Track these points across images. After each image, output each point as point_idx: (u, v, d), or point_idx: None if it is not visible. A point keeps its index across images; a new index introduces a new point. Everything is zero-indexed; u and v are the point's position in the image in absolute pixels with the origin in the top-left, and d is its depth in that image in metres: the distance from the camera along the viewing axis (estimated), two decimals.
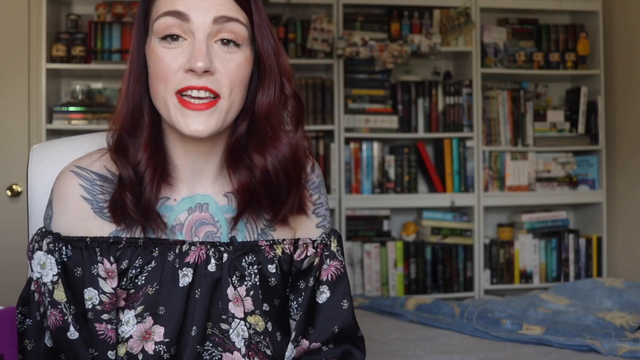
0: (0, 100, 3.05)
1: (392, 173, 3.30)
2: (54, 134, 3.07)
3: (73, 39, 3.08)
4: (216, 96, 0.89)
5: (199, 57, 0.87)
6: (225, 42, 0.90)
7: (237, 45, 0.91)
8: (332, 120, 3.19)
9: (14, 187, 3.03)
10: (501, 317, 2.08)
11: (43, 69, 2.97)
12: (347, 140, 3.25)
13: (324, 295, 1.00)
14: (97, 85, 3.20)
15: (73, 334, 0.90)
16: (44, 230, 0.96)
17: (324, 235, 1.03)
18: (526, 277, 3.40)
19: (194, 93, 0.89)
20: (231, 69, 0.90)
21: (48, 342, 0.92)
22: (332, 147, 3.19)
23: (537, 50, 3.46)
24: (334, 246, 1.02)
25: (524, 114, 3.39)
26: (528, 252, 3.40)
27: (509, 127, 3.38)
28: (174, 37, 0.90)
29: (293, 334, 0.99)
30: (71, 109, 3.05)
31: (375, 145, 3.28)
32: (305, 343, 0.98)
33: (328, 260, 1.01)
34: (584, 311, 2.12)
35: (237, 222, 0.97)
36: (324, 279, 1.00)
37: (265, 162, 0.95)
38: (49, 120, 3.01)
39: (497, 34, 3.39)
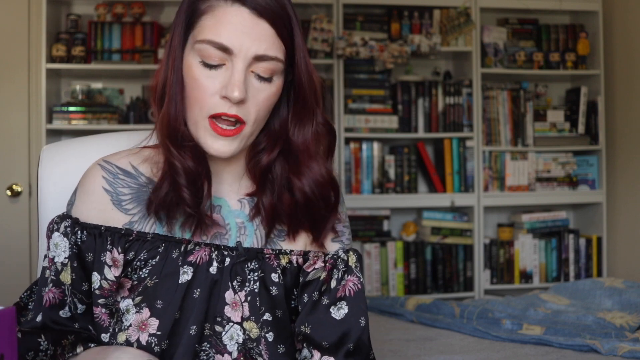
0: (1, 101, 3.05)
1: (392, 173, 3.30)
2: (54, 134, 3.07)
3: (73, 39, 3.08)
4: (242, 122, 0.93)
5: (236, 87, 0.90)
6: (259, 76, 0.93)
7: (269, 79, 0.94)
8: (332, 120, 3.19)
9: (14, 187, 3.03)
10: (501, 317, 2.08)
11: (43, 69, 2.97)
12: (347, 140, 3.25)
13: (342, 311, 1.00)
14: (97, 85, 3.20)
15: (66, 312, 0.97)
16: (64, 213, 1.01)
17: (340, 251, 1.03)
18: (526, 277, 3.40)
19: (224, 117, 0.93)
20: (260, 99, 0.94)
21: (38, 317, 0.96)
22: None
23: (537, 50, 3.47)
24: (352, 261, 1.03)
25: (524, 114, 3.39)
26: (528, 252, 3.41)
27: (509, 127, 3.38)
28: (214, 65, 0.92)
29: (300, 346, 1.00)
30: (71, 109, 3.05)
31: (375, 145, 3.28)
32: (317, 354, 0.99)
33: (346, 275, 1.01)
34: (584, 311, 2.12)
35: (269, 236, 1.01)
36: (341, 295, 1.00)
37: (303, 186, 0.99)
38: (49, 120, 3.01)
39: (497, 34, 3.40)
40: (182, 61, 0.96)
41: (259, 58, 0.92)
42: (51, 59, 3.00)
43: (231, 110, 0.92)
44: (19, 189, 3.04)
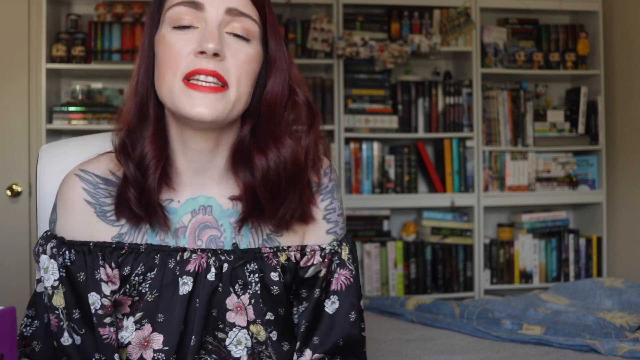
0: (0, 101, 3.05)
1: (392, 173, 3.30)
2: (54, 134, 3.07)
3: (73, 39, 3.08)
4: (224, 84, 0.88)
5: (211, 39, 0.87)
6: (236, 35, 0.91)
7: (247, 40, 0.92)
8: (332, 120, 3.19)
9: (14, 187, 3.03)
10: (501, 317, 2.08)
11: (43, 69, 2.97)
12: (347, 140, 3.25)
13: (334, 305, 0.97)
14: (97, 85, 3.20)
15: (67, 339, 0.91)
16: (49, 233, 0.96)
17: (334, 243, 1.00)
18: (526, 277, 3.40)
19: (202, 77, 0.87)
20: (241, 59, 0.90)
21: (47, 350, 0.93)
22: (332, 147, 3.19)
23: (537, 50, 3.47)
24: (344, 254, 0.99)
25: (524, 114, 3.39)
26: (528, 252, 3.40)
27: (509, 127, 3.38)
28: (186, 26, 0.90)
29: (297, 344, 0.97)
30: (71, 109, 3.04)
31: (375, 145, 3.28)
32: (308, 353, 0.96)
33: (339, 269, 0.98)
34: (584, 311, 2.12)
35: (242, 227, 0.96)
36: (334, 288, 0.98)
37: (267, 161, 0.93)
38: (49, 120, 3.01)
39: (497, 34, 3.39)
40: (154, 45, 0.93)
41: (231, 12, 0.90)
42: (51, 59, 3.00)
43: (209, 65, 0.87)
44: (19, 189, 3.04)
